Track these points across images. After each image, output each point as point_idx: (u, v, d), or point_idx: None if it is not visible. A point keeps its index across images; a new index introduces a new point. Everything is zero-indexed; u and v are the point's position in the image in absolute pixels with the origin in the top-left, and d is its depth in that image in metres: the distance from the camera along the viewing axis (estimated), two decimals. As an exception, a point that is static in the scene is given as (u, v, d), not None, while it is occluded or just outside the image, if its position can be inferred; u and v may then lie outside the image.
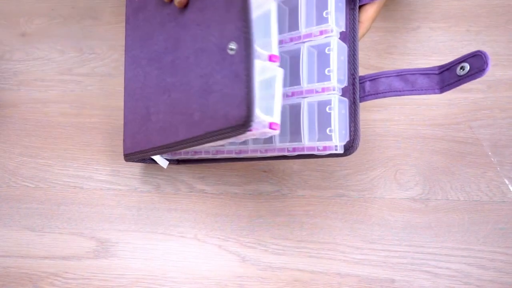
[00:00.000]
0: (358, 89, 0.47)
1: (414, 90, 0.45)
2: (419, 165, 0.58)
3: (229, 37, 0.40)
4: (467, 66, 0.42)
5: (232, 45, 0.39)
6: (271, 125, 0.40)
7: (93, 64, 0.65)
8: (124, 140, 0.54)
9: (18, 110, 0.63)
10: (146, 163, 0.56)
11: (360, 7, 0.51)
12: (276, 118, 0.40)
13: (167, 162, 0.55)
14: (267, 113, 0.40)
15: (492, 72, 0.60)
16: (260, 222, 0.57)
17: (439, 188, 0.57)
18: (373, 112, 0.60)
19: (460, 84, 0.43)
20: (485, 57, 0.41)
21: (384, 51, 0.62)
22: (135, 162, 0.56)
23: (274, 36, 0.41)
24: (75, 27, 0.67)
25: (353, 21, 0.48)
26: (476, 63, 0.42)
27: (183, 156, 0.56)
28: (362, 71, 0.61)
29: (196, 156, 0.55)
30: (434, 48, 0.62)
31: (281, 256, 0.55)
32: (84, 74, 0.65)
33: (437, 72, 0.45)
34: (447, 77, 0.44)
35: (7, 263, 0.57)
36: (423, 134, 0.58)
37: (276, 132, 0.41)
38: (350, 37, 0.48)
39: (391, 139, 0.59)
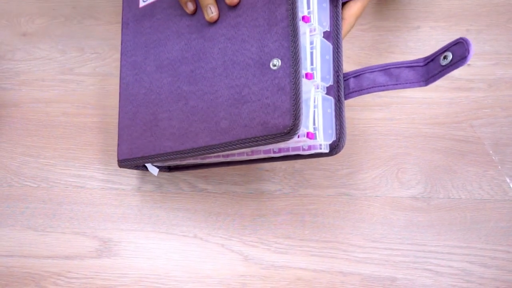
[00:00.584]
0: (342, 87, 0.47)
1: (398, 84, 0.45)
2: (421, 163, 0.58)
3: (272, 53, 0.44)
4: (449, 55, 0.41)
5: (276, 61, 0.43)
6: (308, 134, 0.44)
7: (95, 64, 0.65)
8: (119, 145, 0.54)
9: (20, 110, 0.63)
10: (138, 169, 0.56)
11: (343, 3, 0.51)
12: (311, 128, 0.45)
13: (157, 170, 0.55)
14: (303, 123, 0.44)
15: (493, 71, 0.61)
16: (262, 221, 0.57)
17: (440, 187, 0.57)
18: (374, 111, 0.60)
19: (444, 74, 0.42)
20: (466, 44, 0.39)
21: (385, 50, 0.62)
22: (129, 168, 0.55)
23: (308, 57, 0.45)
24: (76, 26, 0.67)
25: (336, 19, 0.49)
26: (458, 51, 0.40)
27: (173, 163, 0.56)
28: (363, 70, 0.62)
29: (185, 162, 0.55)
30: (435, 47, 0.62)
31: (284, 255, 0.56)
32: (85, 74, 0.65)
33: (422, 64, 0.44)
34: (432, 68, 0.43)
35: (10, 263, 0.57)
36: (425, 132, 0.59)
37: (311, 141, 0.45)
38: (333, 35, 0.49)
39: (393, 138, 0.59)
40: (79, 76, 0.65)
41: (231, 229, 0.57)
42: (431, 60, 0.43)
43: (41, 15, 0.68)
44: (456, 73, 0.61)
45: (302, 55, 0.44)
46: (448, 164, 0.58)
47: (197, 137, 0.48)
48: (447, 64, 0.41)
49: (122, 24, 0.57)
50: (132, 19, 0.56)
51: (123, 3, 0.57)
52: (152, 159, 0.51)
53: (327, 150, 0.46)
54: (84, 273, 0.56)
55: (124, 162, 0.53)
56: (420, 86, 0.44)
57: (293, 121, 0.41)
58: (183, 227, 0.57)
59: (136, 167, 0.55)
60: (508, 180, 0.57)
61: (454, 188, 0.57)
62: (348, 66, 0.62)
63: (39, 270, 0.57)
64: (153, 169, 0.55)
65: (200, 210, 0.58)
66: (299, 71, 0.42)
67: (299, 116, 0.41)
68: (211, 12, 0.48)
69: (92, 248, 0.57)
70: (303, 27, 0.46)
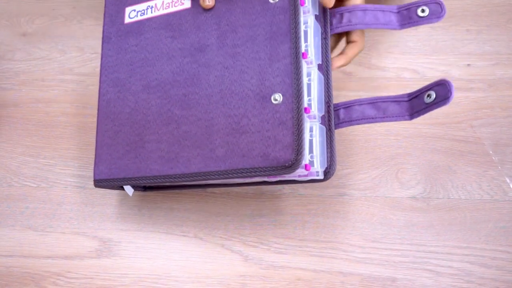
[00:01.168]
0: (333, 117, 0.49)
1: (385, 117, 0.47)
2: (421, 164, 0.58)
3: (273, 88, 0.45)
4: (433, 94, 0.44)
5: (277, 96, 0.45)
6: (306, 166, 0.45)
7: (94, 64, 0.65)
8: (96, 164, 0.53)
9: (20, 110, 0.63)
10: (114, 189, 0.55)
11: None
12: (307, 160, 0.45)
13: (133, 190, 0.55)
14: None
15: (493, 71, 0.61)
16: (262, 221, 0.57)
17: (440, 187, 0.57)
18: (374, 111, 0.60)
19: (428, 111, 0.45)
20: (449, 85, 0.42)
21: (385, 50, 0.63)
22: (106, 188, 0.54)
23: (305, 89, 0.46)
24: (76, 27, 0.67)
25: (326, 51, 0.50)
26: (441, 91, 0.43)
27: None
28: (364, 71, 0.62)
29: (168, 183, 0.53)
30: (435, 47, 0.62)
31: (284, 255, 0.55)
32: (85, 74, 0.65)
33: (406, 99, 0.47)
34: (416, 104, 0.46)
35: (10, 263, 0.57)
36: (424, 133, 0.59)
37: (307, 173, 0.46)
38: (324, 66, 0.50)
39: (393, 138, 0.59)
40: (79, 76, 0.65)
41: (231, 229, 0.57)
42: (415, 96, 0.46)
43: (41, 15, 0.68)
44: (456, 73, 0.61)
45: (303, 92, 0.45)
46: (447, 164, 0.58)
47: (189, 162, 0.48)
48: (431, 102, 0.44)
49: (103, 38, 0.55)
50: (116, 35, 0.55)
51: (104, 17, 0.56)
52: (135, 181, 0.50)
53: (322, 177, 0.48)
54: (83, 273, 0.56)
55: (101, 182, 0.52)
56: (405, 120, 0.47)
57: (295, 156, 0.43)
58: (183, 227, 0.57)
59: (112, 187, 0.54)
60: (508, 180, 0.57)
61: (453, 188, 0.57)
62: (348, 66, 0.62)
63: (39, 270, 0.57)
64: (129, 190, 0.54)
65: (200, 210, 0.58)
66: (301, 108, 0.44)
67: (302, 151, 0.43)
68: (208, 0, 0.49)
69: (91, 248, 0.57)
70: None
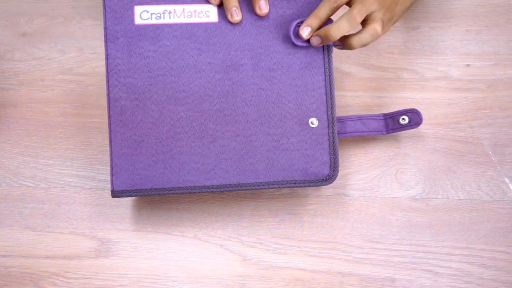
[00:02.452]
0: (336, 127, 0.53)
1: (370, 131, 0.56)
2: (420, 164, 0.58)
3: (310, 113, 0.52)
4: (406, 118, 0.54)
5: (314, 121, 0.52)
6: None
7: (94, 64, 0.65)
8: (113, 174, 0.51)
9: (19, 110, 0.63)
10: (135, 196, 0.52)
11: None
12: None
13: None
14: None
15: (492, 71, 0.61)
16: (261, 221, 0.57)
17: (439, 187, 0.57)
18: (373, 111, 0.60)
19: (402, 130, 0.55)
20: (418, 114, 0.54)
21: (384, 50, 0.63)
22: (125, 196, 0.52)
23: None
24: (76, 27, 0.67)
25: (329, 64, 0.52)
26: (413, 118, 0.54)
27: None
28: (363, 71, 0.62)
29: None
30: (434, 47, 0.62)
31: (282, 256, 0.55)
32: (84, 74, 0.65)
33: (382, 118, 0.56)
34: (391, 123, 0.55)
35: (9, 263, 0.57)
36: (424, 133, 0.59)
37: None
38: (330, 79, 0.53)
39: (392, 138, 0.59)
40: (78, 76, 0.65)
41: (230, 230, 0.57)
42: (390, 117, 0.55)
43: (41, 15, 0.68)
44: (455, 73, 0.61)
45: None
46: (447, 165, 0.58)
47: (227, 174, 0.51)
48: (405, 124, 0.54)
49: (106, 36, 0.51)
50: (124, 35, 0.51)
51: (105, 12, 0.52)
52: (166, 191, 0.51)
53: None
54: (82, 273, 0.56)
55: (122, 193, 0.52)
56: (383, 134, 0.56)
57: (332, 172, 0.52)
58: (181, 227, 0.57)
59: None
60: (507, 180, 0.57)
61: (453, 189, 0.57)
62: (347, 67, 0.62)
63: (38, 270, 0.57)
64: None
65: (199, 210, 0.58)
66: (335, 132, 0.51)
67: (337, 166, 0.52)
68: (236, 15, 0.51)
69: (90, 248, 0.57)
70: None
